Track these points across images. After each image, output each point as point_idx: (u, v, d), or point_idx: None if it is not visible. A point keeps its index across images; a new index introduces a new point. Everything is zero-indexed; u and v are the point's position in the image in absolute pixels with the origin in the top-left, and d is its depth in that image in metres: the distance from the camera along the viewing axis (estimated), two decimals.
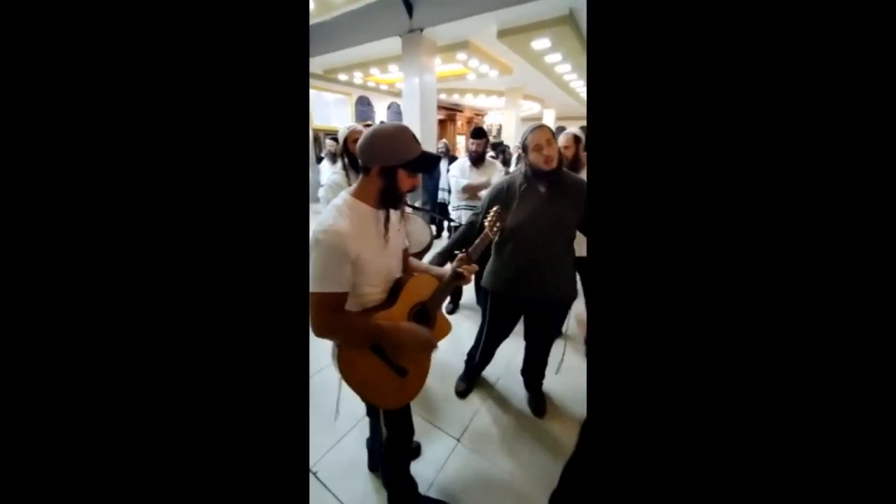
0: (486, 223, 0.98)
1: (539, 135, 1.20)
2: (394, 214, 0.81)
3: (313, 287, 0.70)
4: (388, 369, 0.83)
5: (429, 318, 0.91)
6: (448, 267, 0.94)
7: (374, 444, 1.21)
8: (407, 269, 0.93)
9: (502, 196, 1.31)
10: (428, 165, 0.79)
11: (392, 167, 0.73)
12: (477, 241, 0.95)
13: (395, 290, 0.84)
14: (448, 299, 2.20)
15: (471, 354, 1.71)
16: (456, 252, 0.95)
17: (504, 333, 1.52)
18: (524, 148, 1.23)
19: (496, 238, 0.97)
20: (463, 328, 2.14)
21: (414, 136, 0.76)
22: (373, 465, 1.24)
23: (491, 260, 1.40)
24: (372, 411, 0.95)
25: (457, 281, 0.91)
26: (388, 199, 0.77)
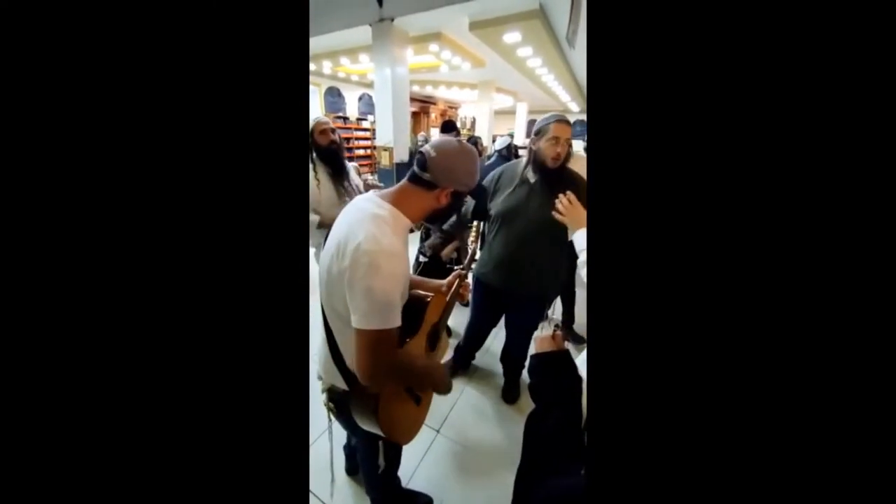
0: (471, 239, 1.00)
1: (561, 128, 1.16)
2: None
3: (372, 323, 0.58)
4: (411, 402, 0.79)
5: (438, 339, 0.88)
6: (440, 281, 0.91)
7: (351, 449, 1.19)
8: None
9: (497, 179, 1.33)
10: (479, 194, 0.78)
11: (463, 192, 0.70)
12: (466, 259, 0.96)
13: (413, 312, 0.76)
14: None
15: (458, 347, 1.72)
16: (449, 266, 0.96)
17: (487, 319, 1.54)
18: (538, 133, 1.19)
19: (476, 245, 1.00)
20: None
21: (476, 157, 0.72)
22: (350, 469, 1.22)
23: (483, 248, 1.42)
24: (358, 438, 0.90)
25: (457, 299, 0.90)
26: (440, 219, 0.73)
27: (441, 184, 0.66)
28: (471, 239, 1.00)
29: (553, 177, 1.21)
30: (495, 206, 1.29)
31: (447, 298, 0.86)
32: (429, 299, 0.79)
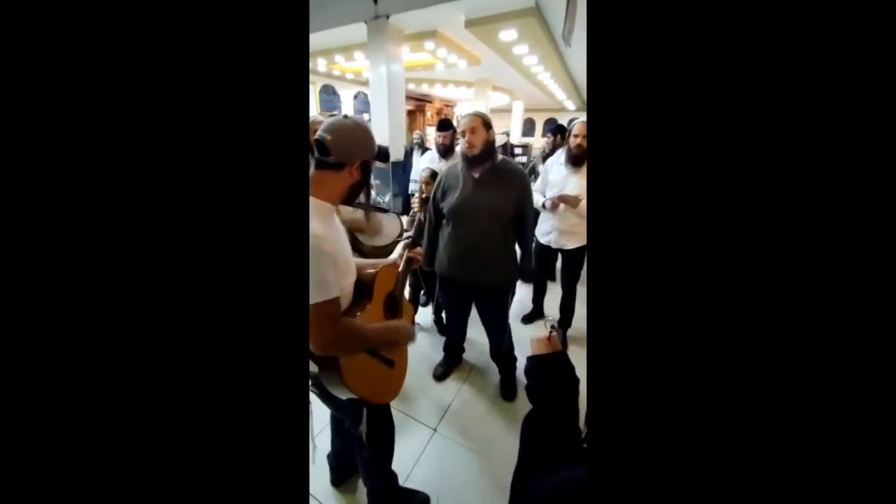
0: (416, 209, 1.09)
1: (466, 122, 1.28)
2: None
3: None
4: (380, 365, 0.85)
5: (398, 306, 0.94)
6: (391, 257, 0.99)
7: (336, 460, 1.20)
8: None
9: (444, 180, 1.41)
10: (386, 156, 0.83)
11: (366, 161, 0.75)
12: (414, 226, 1.05)
13: (363, 285, 0.85)
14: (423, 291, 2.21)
15: (445, 345, 1.75)
16: (401, 239, 1.03)
17: (459, 310, 1.60)
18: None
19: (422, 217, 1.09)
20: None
21: (368, 125, 0.78)
22: (335, 481, 1.22)
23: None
24: (347, 419, 0.94)
25: (411, 265, 0.97)
26: (358, 192, 0.78)
27: (347, 161, 0.72)
28: (415, 208, 1.07)
29: (489, 168, 1.30)
30: (446, 205, 1.37)
31: (399, 269, 0.94)
32: (376, 271, 0.86)
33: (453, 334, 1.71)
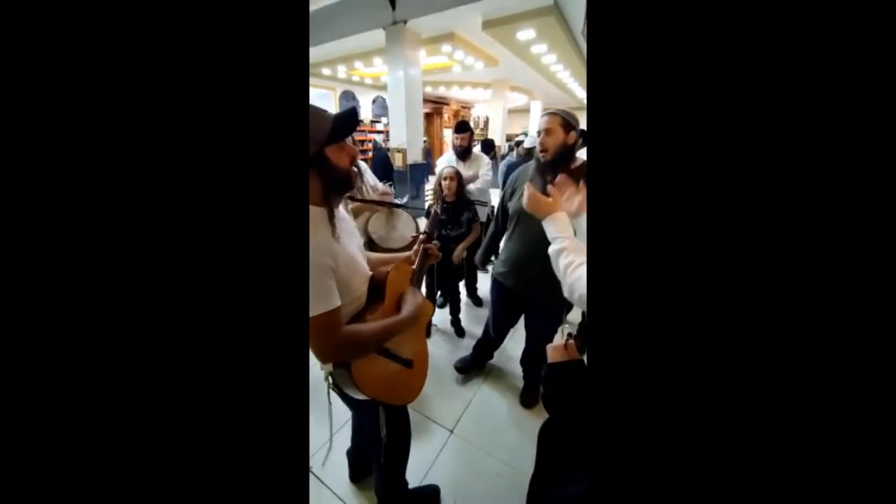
0: (431, 202, 1.08)
1: (543, 121, 1.13)
2: (341, 209, 0.75)
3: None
4: (397, 366, 0.84)
5: None
6: (406, 252, 0.97)
7: (355, 456, 1.21)
8: (368, 263, 0.90)
9: (517, 178, 1.35)
10: (350, 123, 0.69)
11: (318, 153, 0.64)
12: (429, 220, 1.00)
13: (376, 286, 0.82)
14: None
15: (476, 345, 1.72)
16: (419, 236, 1.00)
17: (504, 317, 1.54)
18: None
19: (440, 209, 1.06)
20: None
21: (314, 108, 0.64)
22: (354, 477, 1.23)
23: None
24: (363, 419, 0.93)
25: (427, 260, 0.94)
26: (337, 186, 0.68)
27: None
28: (430, 201, 1.07)
29: (550, 171, 1.12)
30: (511, 205, 1.30)
31: (414, 266, 0.91)
32: (387, 272, 0.82)
33: (488, 340, 1.64)
